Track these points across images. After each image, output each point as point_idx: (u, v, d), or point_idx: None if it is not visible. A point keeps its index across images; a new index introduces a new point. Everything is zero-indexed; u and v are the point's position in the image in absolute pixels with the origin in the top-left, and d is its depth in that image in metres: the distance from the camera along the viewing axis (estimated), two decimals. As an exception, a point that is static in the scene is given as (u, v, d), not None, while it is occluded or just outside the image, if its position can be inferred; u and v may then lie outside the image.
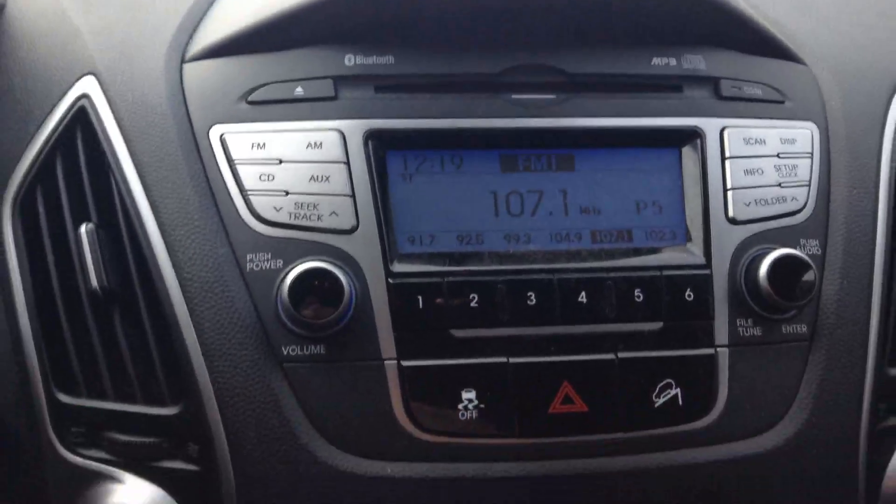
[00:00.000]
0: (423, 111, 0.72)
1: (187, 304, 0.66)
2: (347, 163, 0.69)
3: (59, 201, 0.71)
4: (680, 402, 0.69)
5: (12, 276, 0.70)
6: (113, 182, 0.70)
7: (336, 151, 0.70)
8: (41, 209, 0.72)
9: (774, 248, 0.70)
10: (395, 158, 0.71)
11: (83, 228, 0.69)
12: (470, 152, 0.72)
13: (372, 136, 0.70)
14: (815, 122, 0.78)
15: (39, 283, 0.70)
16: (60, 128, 0.72)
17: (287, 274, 0.65)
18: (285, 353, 0.67)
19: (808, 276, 0.69)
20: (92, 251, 0.68)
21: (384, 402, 0.67)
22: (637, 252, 0.72)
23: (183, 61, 0.74)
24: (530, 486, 0.67)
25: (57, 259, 0.70)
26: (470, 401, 0.67)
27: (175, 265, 0.67)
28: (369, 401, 0.66)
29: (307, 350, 0.67)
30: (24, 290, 0.70)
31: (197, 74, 0.73)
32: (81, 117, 0.72)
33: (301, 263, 0.65)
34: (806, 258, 0.69)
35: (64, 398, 0.68)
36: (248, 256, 0.67)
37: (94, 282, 0.67)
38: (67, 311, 0.69)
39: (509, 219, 0.72)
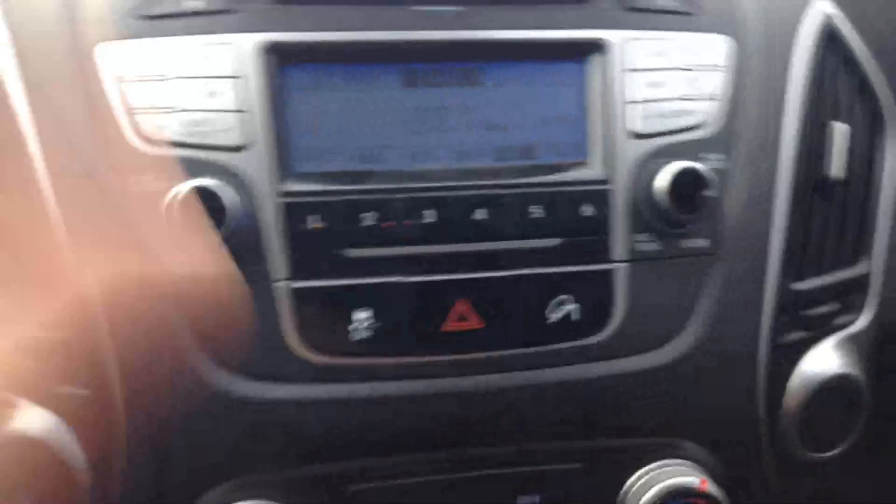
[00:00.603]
0: (322, 23, 0.69)
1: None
2: (240, 77, 0.67)
3: None
4: (576, 318, 0.69)
5: None
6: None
7: (228, 66, 0.67)
8: None
9: (673, 161, 0.69)
10: (291, 73, 0.69)
11: None
12: (371, 66, 0.70)
13: (267, 50, 0.68)
14: (729, 34, 0.76)
15: None
16: None
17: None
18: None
19: (708, 189, 0.68)
20: None
21: (276, 325, 0.66)
22: (538, 169, 0.71)
23: None
24: (425, 403, 0.67)
25: None
26: (364, 321, 0.67)
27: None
28: (259, 322, 0.66)
29: None
30: None
31: None
32: None
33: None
34: (705, 171, 0.68)
35: None
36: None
37: None
38: None
39: (411, 136, 0.70)
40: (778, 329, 0.73)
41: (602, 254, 0.69)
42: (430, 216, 0.68)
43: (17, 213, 0.66)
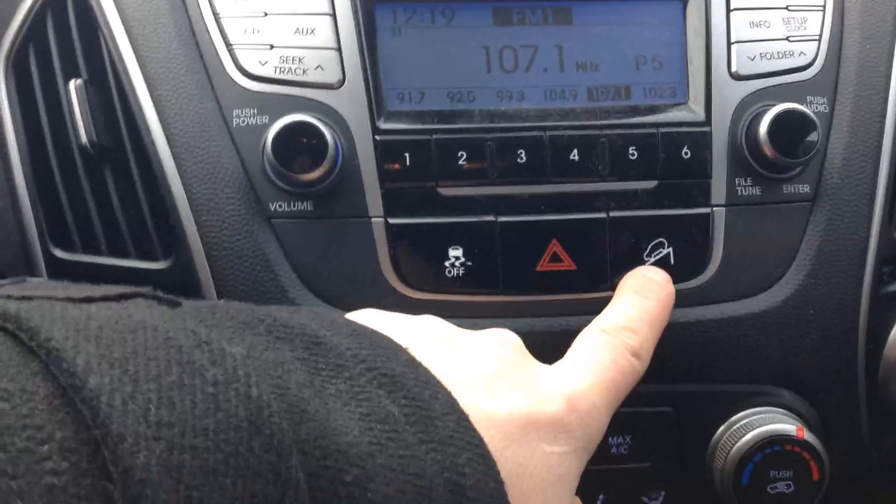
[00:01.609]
0: None
1: (174, 159, 0.66)
2: (334, 15, 0.67)
3: (50, 58, 0.71)
4: (672, 262, 0.68)
5: (7, 133, 0.71)
6: (101, 39, 0.69)
7: (321, 3, 0.68)
8: (33, 67, 0.72)
9: (777, 104, 0.67)
10: (383, 11, 0.69)
11: (72, 84, 0.68)
12: (462, 5, 0.70)
13: None
14: None
15: (33, 140, 0.71)
16: None
17: (271, 128, 0.64)
18: (272, 208, 0.66)
19: (812, 133, 0.66)
20: (81, 107, 0.68)
21: (371, 259, 0.67)
22: (634, 110, 0.69)
23: None
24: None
25: (49, 116, 0.70)
26: (457, 258, 0.67)
27: (162, 120, 0.67)
28: (357, 258, 0.67)
29: (294, 206, 0.67)
30: (19, 147, 0.71)
31: None
32: None
33: (285, 118, 0.64)
34: (810, 114, 0.66)
35: (60, 254, 0.69)
36: (234, 112, 0.67)
37: (83, 137, 0.68)
38: (61, 168, 0.70)
39: (502, 75, 0.70)
40: (880, 279, 0.71)
41: (700, 197, 0.68)
42: (522, 156, 0.67)
43: (123, 142, 0.68)
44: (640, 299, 0.62)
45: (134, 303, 0.40)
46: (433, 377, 0.45)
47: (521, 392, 0.49)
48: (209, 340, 0.37)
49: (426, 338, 0.52)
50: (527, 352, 0.55)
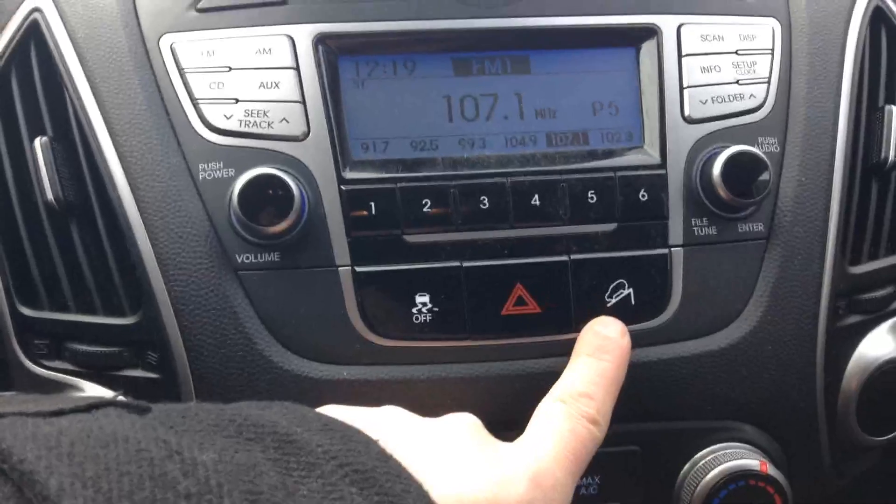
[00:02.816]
0: (374, 14, 0.71)
1: (141, 214, 0.67)
2: (297, 68, 0.69)
3: (15, 115, 0.71)
4: (633, 302, 0.69)
5: None
6: (66, 95, 0.70)
7: (285, 57, 0.69)
8: None
9: (729, 146, 0.69)
10: (346, 63, 0.70)
11: (38, 142, 0.69)
12: (423, 56, 0.71)
13: (322, 41, 0.69)
14: (778, 18, 0.76)
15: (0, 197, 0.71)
16: (14, 43, 0.72)
17: (237, 181, 0.65)
18: (240, 260, 0.67)
19: (763, 173, 0.68)
20: (47, 164, 0.68)
21: (339, 308, 0.67)
22: (592, 154, 0.71)
23: None
24: (484, 386, 0.68)
25: (15, 173, 0.71)
26: (424, 305, 0.68)
27: (128, 175, 0.67)
28: (324, 307, 0.67)
29: (261, 257, 0.67)
30: None
31: None
32: (34, 31, 0.71)
33: (250, 171, 0.65)
34: (760, 154, 0.68)
35: (26, 311, 0.69)
36: (201, 166, 0.68)
37: (49, 194, 0.68)
38: (27, 225, 0.70)
39: (463, 123, 0.71)
40: (835, 313, 0.73)
41: (658, 238, 0.70)
42: (485, 202, 0.69)
43: (90, 197, 0.68)
44: (596, 362, 0.63)
45: (104, 412, 0.40)
46: (404, 470, 0.46)
47: (486, 476, 0.51)
48: (180, 449, 0.38)
49: (394, 429, 0.54)
50: (487, 432, 0.57)
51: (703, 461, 0.70)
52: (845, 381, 0.73)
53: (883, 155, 0.76)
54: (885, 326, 0.76)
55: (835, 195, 0.73)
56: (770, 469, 0.67)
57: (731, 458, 0.68)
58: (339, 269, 0.67)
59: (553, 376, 0.68)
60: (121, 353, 0.68)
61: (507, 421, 0.69)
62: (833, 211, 0.73)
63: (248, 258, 0.67)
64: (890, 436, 0.76)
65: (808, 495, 0.73)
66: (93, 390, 0.68)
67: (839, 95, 0.75)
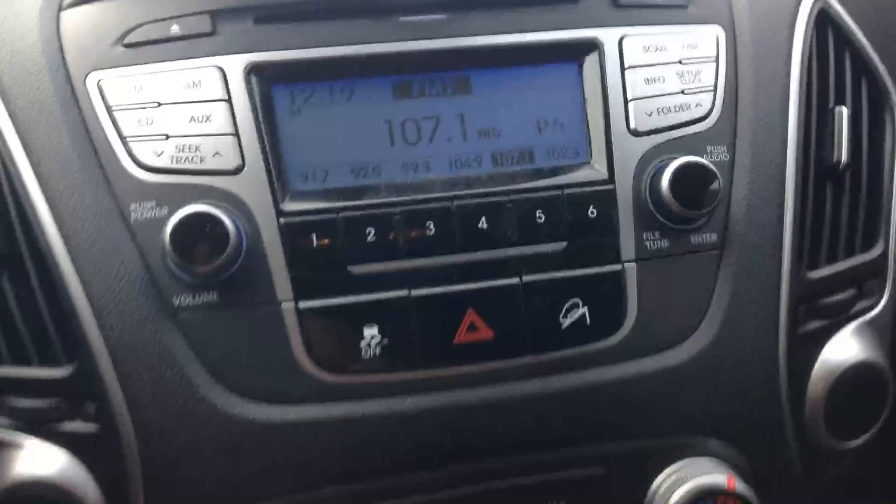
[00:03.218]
0: (307, 40, 0.69)
1: (73, 261, 0.64)
2: (229, 100, 0.67)
3: None
4: (588, 322, 0.68)
5: None
6: None
7: (216, 89, 0.67)
8: None
9: (677, 157, 0.68)
10: (280, 92, 0.68)
11: None
12: (360, 80, 0.69)
13: (254, 71, 0.67)
14: (721, 25, 0.75)
15: None
16: None
17: (169, 220, 0.62)
18: (177, 303, 0.65)
19: (713, 183, 0.67)
20: None
21: (284, 346, 0.65)
22: (539, 173, 0.70)
23: (60, 9, 0.70)
24: (440, 417, 0.66)
25: None
26: (373, 337, 0.66)
27: (58, 221, 0.65)
28: (268, 345, 0.65)
29: (199, 298, 0.65)
30: None
31: (74, 21, 0.70)
32: None
33: (182, 209, 0.62)
34: (709, 165, 0.67)
35: None
36: (132, 206, 0.65)
37: None
38: None
39: (406, 147, 0.69)
40: (796, 319, 0.72)
41: (610, 255, 0.68)
42: (431, 228, 0.67)
43: (19, 246, 0.66)
44: None
45: None
46: None
47: None
48: None
49: None
50: None
51: (671, 479, 0.68)
52: (811, 388, 0.72)
53: (835, 157, 0.75)
54: (847, 330, 0.75)
55: (788, 200, 0.72)
56: (738, 484, 0.66)
57: (698, 473, 0.66)
58: (283, 305, 0.65)
59: (508, 403, 0.66)
60: (59, 406, 0.65)
61: (467, 450, 0.67)
62: (787, 216, 0.72)
63: (186, 300, 0.65)
64: (860, 439, 0.75)
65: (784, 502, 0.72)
66: (34, 445, 0.64)
67: (787, 99, 0.74)
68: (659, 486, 0.68)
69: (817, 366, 0.72)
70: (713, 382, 0.69)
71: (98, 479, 0.64)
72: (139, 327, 0.64)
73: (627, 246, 0.68)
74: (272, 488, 0.65)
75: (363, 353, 0.65)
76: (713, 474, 0.66)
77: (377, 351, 0.65)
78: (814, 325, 0.73)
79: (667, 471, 0.69)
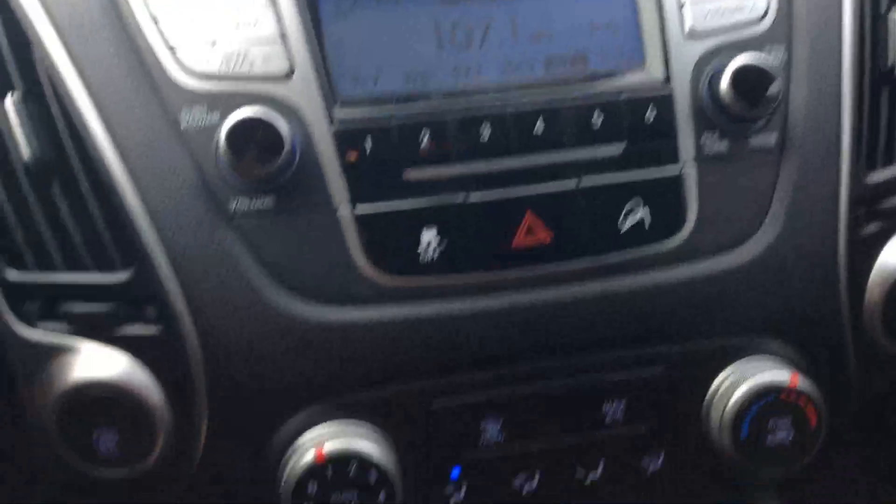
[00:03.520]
0: None
1: (125, 166, 0.64)
2: (275, 3, 0.65)
3: None
4: (647, 223, 0.67)
5: None
6: (34, 50, 0.66)
7: None
8: None
9: (735, 59, 0.66)
10: None
11: (8, 99, 0.65)
12: None
13: None
14: None
15: None
16: None
17: (222, 126, 0.61)
18: (233, 207, 0.64)
19: (772, 84, 0.66)
20: (20, 122, 0.65)
21: (342, 249, 0.64)
22: (594, 76, 0.68)
23: None
24: (498, 319, 0.66)
25: None
26: (430, 240, 0.65)
27: (107, 128, 0.64)
28: (327, 248, 0.64)
29: (255, 203, 0.64)
30: None
31: None
32: None
33: (235, 113, 0.61)
34: (767, 65, 0.66)
35: (13, 275, 0.66)
36: (182, 112, 0.64)
37: (25, 154, 0.64)
38: (6, 188, 0.66)
39: (456, 52, 0.68)
40: (855, 222, 0.71)
41: (669, 157, 0.67)
42: (486, 132, 0.66)
43: (68, 154, 0.65)
44: None
45: None
46: None
47: None
48: None
49: None
50: None
51: (731, 379, 0.68)
52: (869, 290, 0.71)
53: (889, 62, 0.74)
54: (905, 234, 0.74)
55: (845, 103, 0.71)
56: (801, 381, 0.65)
57: (760, 370, 0.66)
58: (339, 209, 0.64)
59: (567, 305, 0.66)
60: (118, 310, 0.65)
61: (527, 351, 0.66)
62: (845, 118, 0.71)
63: (242, 204, 0.64)
64: None
65: (835, 413, 0.71)
66: (93, 350, 0.64)
67: (841, 2, 0.72)
68: (719, 386, 0.68)
69: (875, 269, 0.72)
70: (773, 283, 0.69)
71: (160, 380, 0.64)
72: (196, 231, 0.64)
73: (686, 148, 0.67)
74: (333, 386, 0.66)
75: (421, 256, 0.65)
76: (775, 370, 0.66)
77: (435, 254, 0.65)
78: (872, 227, 0.72)
79: (727, 370, 0.69)
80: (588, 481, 0.70)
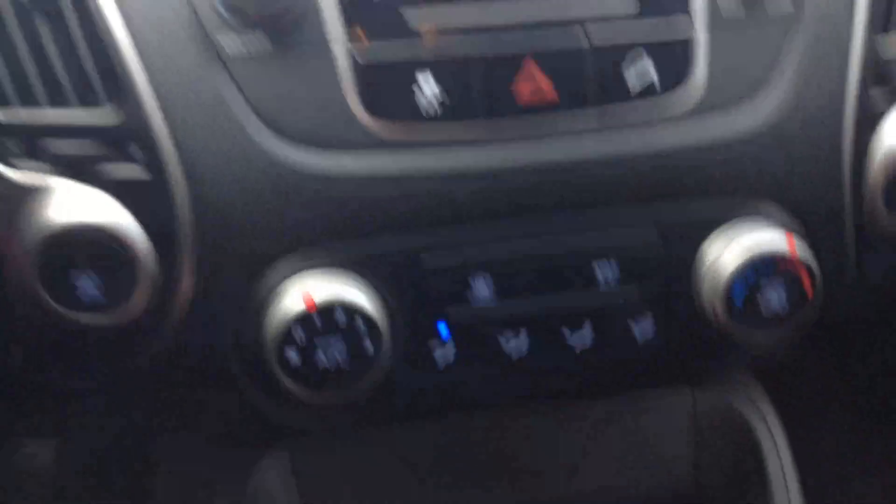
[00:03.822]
0: None
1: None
2: None
3: None
4: (654, 77, 0.65)
5: None
6: None
7: None
8: None
9: None
10: None
11: None
12: None
13: None
14: None
15: None
16: None
17: None
18: (226, 46, 0.62)
19: None
20: None
21: (336, 92, 0.62)
22: None
23: None
24: (497, 172, 0.64)
25: None
26: (428, 86, 0.63)
27: None
28: (320, 90, 0.62)
29: (248, 43, 0.62)
30: None
31: None
32: None
33: None
34: None
35: None
36: None
37: None
38: None
39: None
40: (864, 93, 0.69)
41: (681, 16, 0.65)
42: None
43: None
44: None
45: None
46: None
47: None
48: None
49: None
50: None
51: (725, 236, 0.66)
52: (873, 161, 0.70)
53: None
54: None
55: None
56: (799, 248, 0.65)
57: (756, 235, 0.65)
58: (334, 49, 0.62)
59: (568, 159, 0.64)
60: (103, 150, 0.62)
61: (517, 207, 0.64)
62: None
63: (234, 44, 0.62)
64: None
65: (830, 290, 0.71)
66: (76, 189, 0.62)
67: None
68: (714, 249, 0.67)
69: (881, 141, 0.70)
70: (778, 148, 0.67)
71: (145, 224, 0.62)
72: (186, 70, 0.61)
73: (700, 7, 0.66)
74: (322, 235, 0.64)
75: (418, 102, 0.63)
76: (772, 237, 0.65)
77: (432, 101, 0.63)
78: (881, 100, 0.70)
79: (722, 232, 0.67)
80: (578, 347, 0.70)
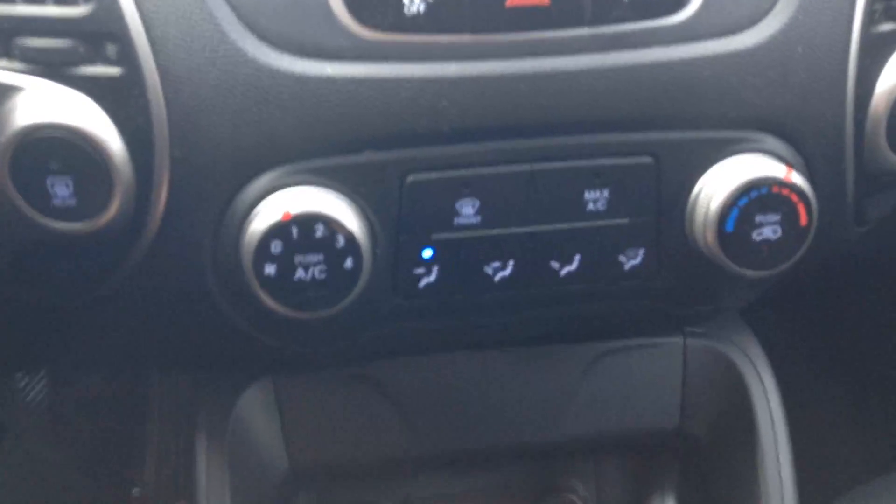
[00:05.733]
0: None
1: None
2: None
3: None
4: (651, -10, 0.62)
5: None
6: None
7: None
8: None
9: None
10: None
11: None
12: None
13: None
14: None
15: None
16: None
17: None
18: None
19: None
20: None
21: None
22: None
23: None
24: (486, 86, 0.62)
25: None
26: (417, -8, 0.60)
27: None
28: None
29: None
30: None
31: None
32: None
33: None
34: None
35: None
36: None
37: None
38: None
39: None
40: (871, 17, 0.66)
41: None
42: None
43: None
44: None
45: None
46: None
47: None
48: None
49: None
50: None
51: (722, 169, 0.64)
52: (876, 95, 0.67)
53: None
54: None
55: None
56: (795, 176, 0.62)
57: (752, 164, 0.63)
58: None
59: (560, 77, 0.62)
60: (77, 48, 0.60)
61: (506, 127, 0.62)
62: None
63: None
64: None
65: (828, 224, 0.69)
66: (49, 88, 0.60)
67: None
68: (707, 179, 0.65)
69: (885, 72, 0.67)
70: (777, 74, 0.64)
71: (120, 126, 0.60)
72: None
73: None
74: (304, 147, 0.62)
75: (405, 9, 0.60)
76: (768, 164, 0.63)
77: (421, 7, 0.60)
78: (888, 26, 0.68)
79: (719, 162, 0.65)
80: (563, 272, 0.68)
